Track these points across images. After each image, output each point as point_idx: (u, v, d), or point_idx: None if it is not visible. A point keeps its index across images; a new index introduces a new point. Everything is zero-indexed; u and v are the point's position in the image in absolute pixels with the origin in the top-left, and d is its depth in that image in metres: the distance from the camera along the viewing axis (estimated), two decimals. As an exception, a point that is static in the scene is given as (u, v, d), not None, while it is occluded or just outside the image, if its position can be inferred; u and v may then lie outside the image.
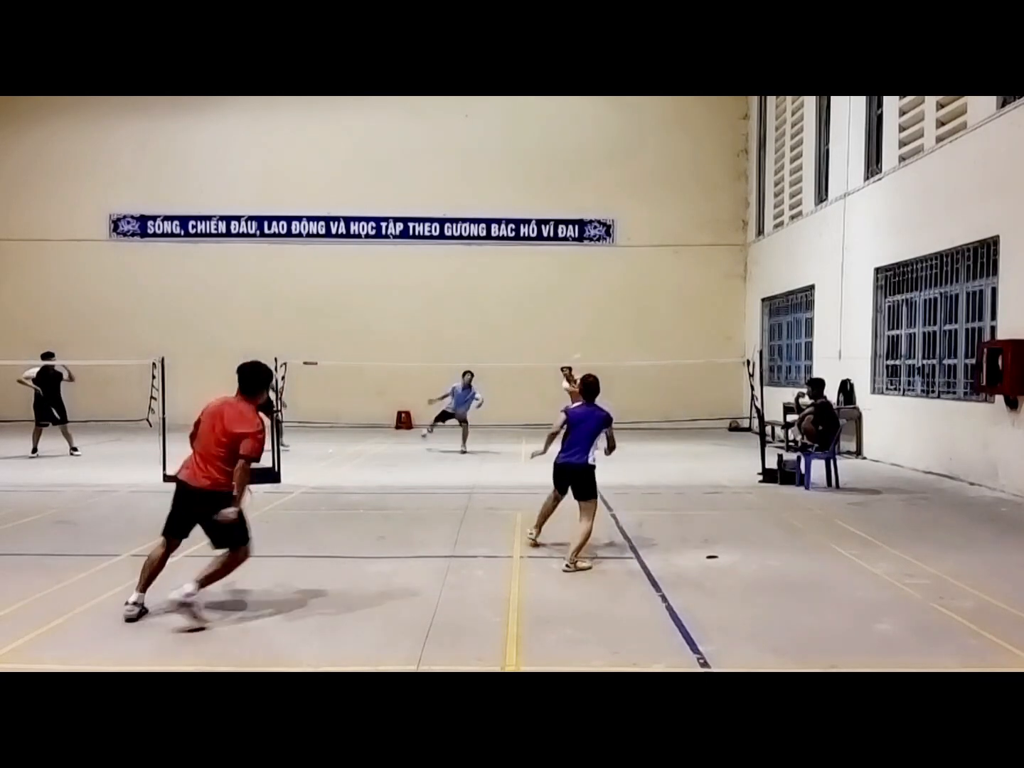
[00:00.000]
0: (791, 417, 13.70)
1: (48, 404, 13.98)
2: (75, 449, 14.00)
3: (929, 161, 12.07)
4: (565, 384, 12.90)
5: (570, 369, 12.81)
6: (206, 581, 5.18)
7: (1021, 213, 9.97)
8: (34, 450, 13.69)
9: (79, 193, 20.10)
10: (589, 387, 7.11)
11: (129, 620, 5.12)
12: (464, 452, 14.29)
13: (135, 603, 5.19)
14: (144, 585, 5.28)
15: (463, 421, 14.53)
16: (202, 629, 4.98)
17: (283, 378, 11.58)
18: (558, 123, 19.82)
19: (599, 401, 7.06)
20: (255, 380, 5.44)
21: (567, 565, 6.47)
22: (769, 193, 19.01)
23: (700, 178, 20.14)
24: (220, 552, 5.29)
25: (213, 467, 5.21)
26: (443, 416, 14.67)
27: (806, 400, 11.40)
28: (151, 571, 5.32)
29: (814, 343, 16.36)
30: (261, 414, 5.53)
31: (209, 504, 5.15)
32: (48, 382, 14.04)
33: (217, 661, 4.49)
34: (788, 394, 14.74)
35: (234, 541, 5.27)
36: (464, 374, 14.42)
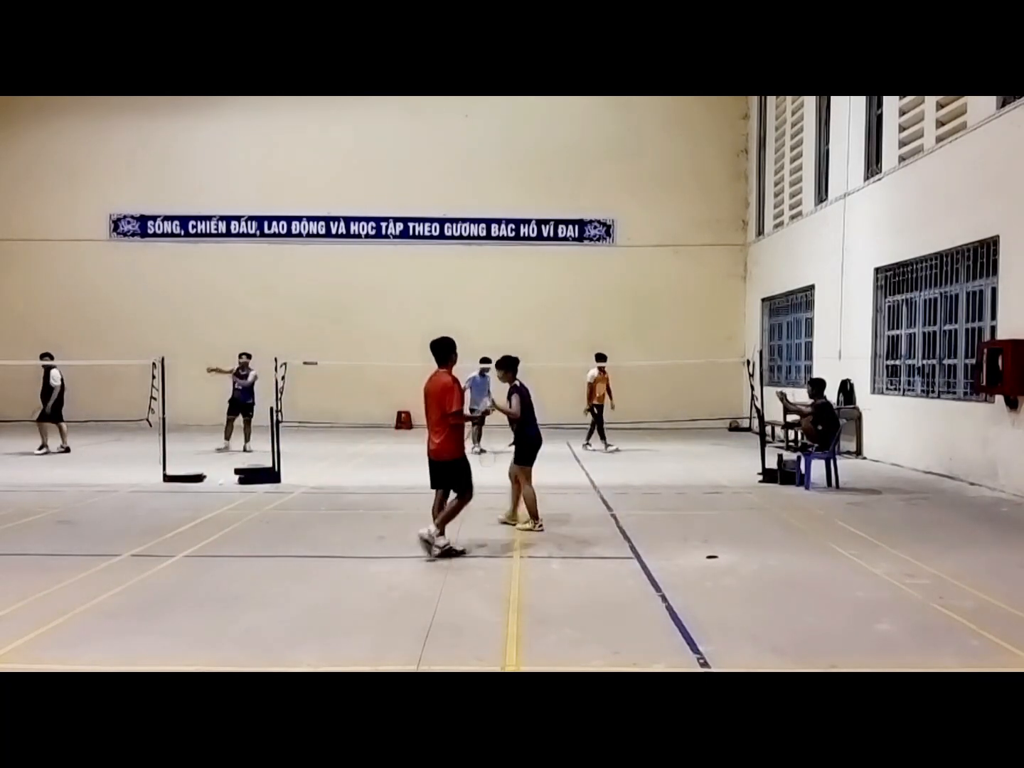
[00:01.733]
0: (791, 418, 13.70)
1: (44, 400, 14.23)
2: (43, 447, 14.07)
3: (929, 161, 12.07)
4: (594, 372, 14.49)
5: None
6: (443, 522, 6.88)
7: (1021, 213, 9.97)
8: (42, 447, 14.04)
9: (79, 193, 20.10)
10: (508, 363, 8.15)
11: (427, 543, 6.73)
12: (483, 451, 13.76)
13: (429, 538, 6.76)
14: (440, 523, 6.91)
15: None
16: (457, 554, 6.80)
17: (283, 378, 11.58)
18: (558, 123, 19.83)
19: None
20: (439, 351, 7.00)
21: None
22: (769, 193, 19.01)
23: (700, 178, 20.14)
24: (452, 497, 6.98)
25: (434, 434, 6.92)
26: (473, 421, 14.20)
27: (798, 400, 11.43)
28: (438, 511, 7.05)
29: (814, 343, 16.36)
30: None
31: (438, 468, 7.01)
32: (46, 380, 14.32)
33: (217, 661, 4.49)
34: (788, 395, 14.72)
35: (461, 488, 6.96)
36: (482, 361, 13.91)
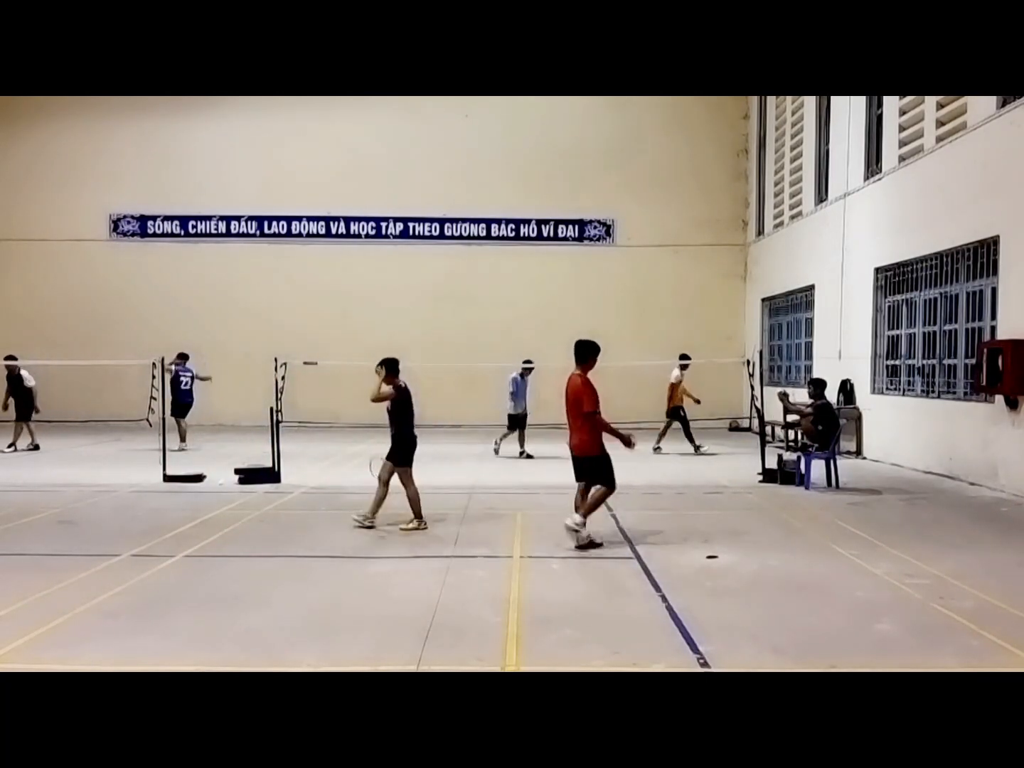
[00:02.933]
0: (791, 418, 13.69)
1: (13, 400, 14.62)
2: (11, 446, 14.35)
3: (929, 161, 12.07)
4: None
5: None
6: (588, 512, 7.21)
7: (1021, 213, 9.96)
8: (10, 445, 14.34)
9: (79, 193, 20.09)
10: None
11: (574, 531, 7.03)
12: (528, 455, 13.70)
13: (576, 527, 7.08)
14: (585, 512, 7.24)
15: (526, 418, 13.89)
16: (595, 546, 7.07)
17: (283, 378, 11.58)
18: (558, 123, 19.82)
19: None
20: (578, 352, 7.45)
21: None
22: (769, 193, 19.01)
23: (700, 178, 20.12)
24: (594, 488, 7.28)
25: (575, 432, 7.34)
26: (514, 424, 13.88)
27: (798, 400, 11.44)
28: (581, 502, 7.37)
29: (814, 343, 16.35)
30: None
31: (581, 463, 7.42)
32: (12, 381, 14.69)
33: (217, 661, 4.49)
34: (788, 395, 14.72)
35: (606, 481, 7.26)
36: (525, 362, 13.86)
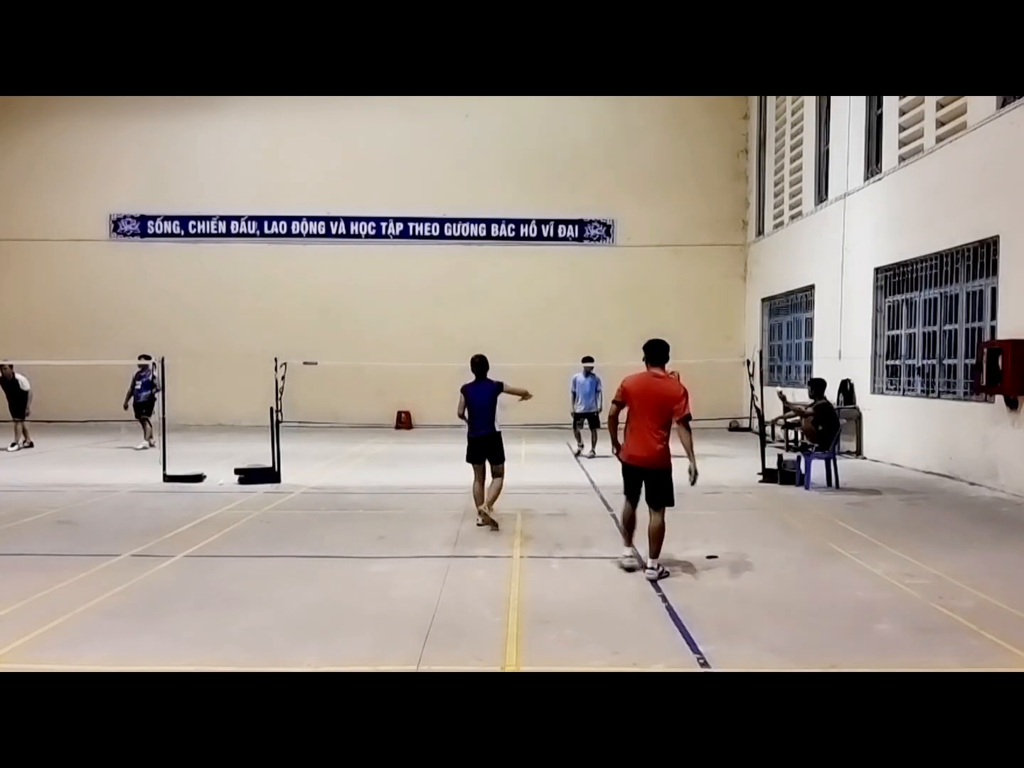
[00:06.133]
0: (791, 418, 13.68)
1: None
2: (14, 444, 14.57)
3: (929, 161, 12.07)
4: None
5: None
6: (658, 550, 6.23)
7: (1021, 213, 9.96)
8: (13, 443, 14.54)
9: (79, 193, 20.10)
10: (475, 365, 8.39)
11: (629, 570, 6.33)
12: (593, 455, 13.59)
13: (659, 573, 6.16)
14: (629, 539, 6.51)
15: (594, 417, 13.73)
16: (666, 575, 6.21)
17: (283, 378, 11.58)
18: (558, 123, 19.82)
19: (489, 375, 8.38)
20: (661, 351, 6.51)
21: (483, 514, 7.93)
22: (769, 193, 19.01)
23: (700, 178, 20.12)
24: (653, 515, 6.26)
25: (645, 442, 6.32)
26: (579, 420, 13.87)
27: (798, 400, 11.44)
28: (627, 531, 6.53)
29: (814, 343, 16.35)
30: None
31: (649, 477, 6.35)
32: (7, 385, 14.86)
33: (217, 661, 4.49)
34: (788, 395, 14.72)
35: (671, 500, 6.34)
36: (585, 360, 13.74)
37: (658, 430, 6.20)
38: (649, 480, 6.29)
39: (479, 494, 8.22)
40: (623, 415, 6.50)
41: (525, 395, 8.47)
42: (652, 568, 6.16)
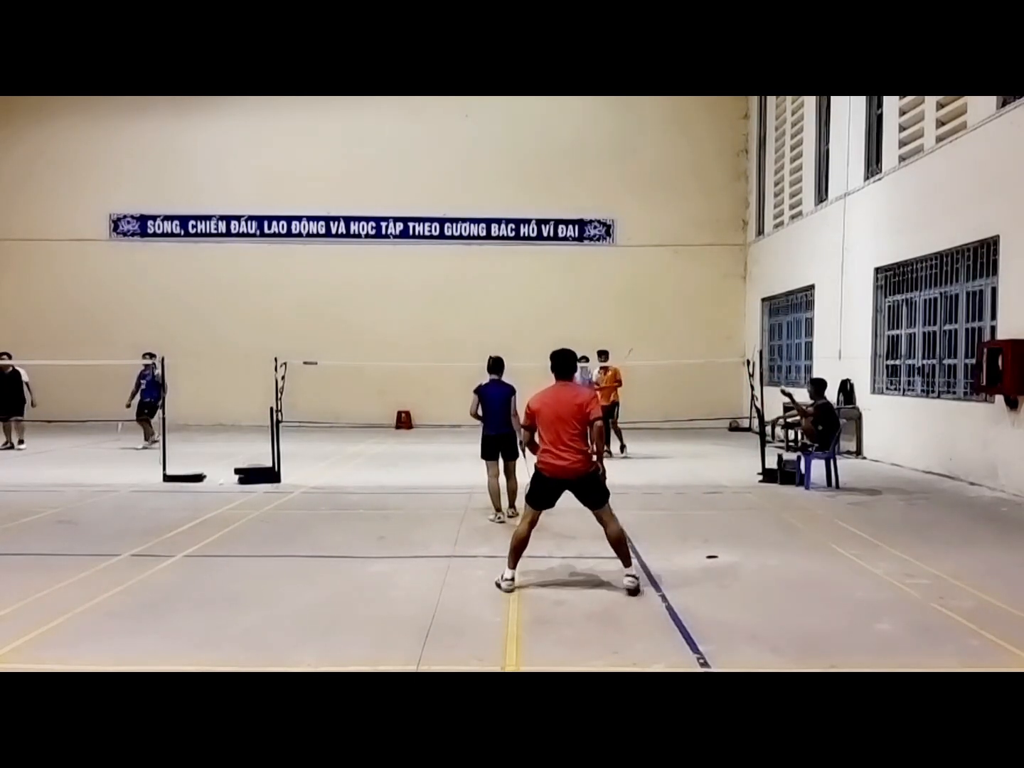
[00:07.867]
0: (791, 418, 13.69)
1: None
2: (21, 442, 14.57)
3: (929, 161, 12.07)
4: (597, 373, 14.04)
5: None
6: (628, 555, 5.99)
7: (1021, 213, 9.96)
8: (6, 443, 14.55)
9: (79, 193, 20.09)
10: (491, 366, 8.70)
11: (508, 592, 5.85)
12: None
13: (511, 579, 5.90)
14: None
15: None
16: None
17: (283, 378, 11.58)
18: (558, 123, 19.81)
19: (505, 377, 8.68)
20: (570, 363, 6.20)
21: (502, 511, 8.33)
22: (769, 193, 19.00)
23: (700, 178, 20.12)
24: (611, 522, 5.98)
25: (568, 452, 5.92)
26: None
27: (800, 399, 11.44)
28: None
29: (814, 343, 16.35)
30: None
31: (582, 486, 5.99)
32: (6, 380, 14.66)
33: (217, 661, 4.50)
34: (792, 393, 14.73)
35: (607, 496, 6.04)
36: (580, 359, 13.83)
37: (579, 438, 5.90)
38: (580, 487, 5.94)
39: (495, 490, 8.52)
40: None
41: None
42: (633, 576, 5.86)
